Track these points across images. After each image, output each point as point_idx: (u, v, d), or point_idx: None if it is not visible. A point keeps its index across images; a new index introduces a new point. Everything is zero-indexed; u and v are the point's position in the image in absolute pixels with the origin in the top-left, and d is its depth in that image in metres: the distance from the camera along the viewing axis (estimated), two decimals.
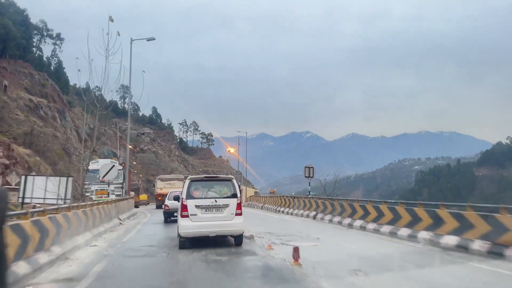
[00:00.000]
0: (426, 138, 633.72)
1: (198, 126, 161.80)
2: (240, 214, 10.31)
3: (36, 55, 72.35)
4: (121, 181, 29.60)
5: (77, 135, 51.63)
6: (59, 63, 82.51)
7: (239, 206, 10.31)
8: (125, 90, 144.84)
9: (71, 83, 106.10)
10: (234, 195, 10.38)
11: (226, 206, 10.17)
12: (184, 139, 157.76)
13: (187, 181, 10.48)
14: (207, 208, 10.07)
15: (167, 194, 20.14)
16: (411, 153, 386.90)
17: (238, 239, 10.56)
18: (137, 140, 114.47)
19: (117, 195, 27.57)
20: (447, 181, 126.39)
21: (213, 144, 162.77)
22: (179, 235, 10.28)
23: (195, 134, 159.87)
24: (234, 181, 10.87)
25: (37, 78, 56.87)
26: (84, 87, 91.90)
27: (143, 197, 73.42)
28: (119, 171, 26.90)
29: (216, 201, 10.13)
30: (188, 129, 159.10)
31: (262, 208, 32.44)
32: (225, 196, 10.33)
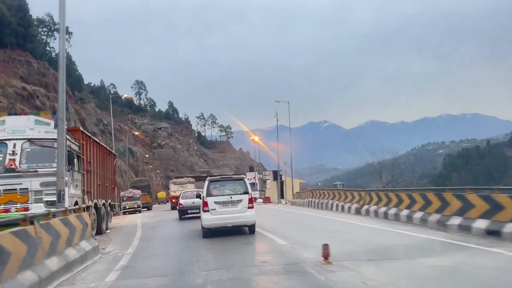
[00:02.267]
0: (447, 121, 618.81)
1: (215, 119, 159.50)
2: (252, 207, 12.13)
3: (47, 51, 70.44)
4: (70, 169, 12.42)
5: (83, 128, 49.61)
6: (69, 57, 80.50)
7: (250, 200, 12.14)
8: (140, 86, 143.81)
9: (86, 82, 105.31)
10: (246, 192, 12.21)
11: (240, 201, 11.95)
12: (202, 133, 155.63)
13: (207, 182, 12.41)
14: (224, 203, 11.89)
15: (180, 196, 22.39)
16: (433, 137, 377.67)
17: (251, 228, 12.47)
18: (154, 135, 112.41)
19: (49, 203, 11.12)
20: (477, 164, 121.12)
21: (232, 137, 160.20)
22: (202, 227, 12.15)
23: (213, 127, 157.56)
24: (246, 180, 12.84)
25: (35, 67, 54.14)
26: (99, 85, 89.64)
27: (161, 194, 69.92)
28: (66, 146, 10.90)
29: (231, 197, 11.94)
30: (206, 123, 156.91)
31: (334, 208, 21.57)
32: (238, 193, 12.11)
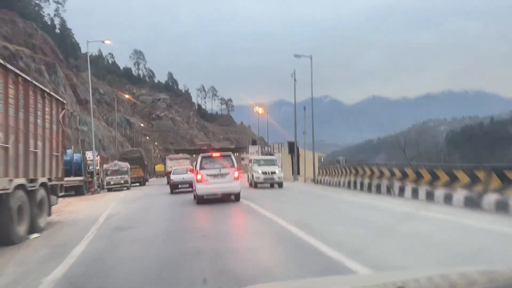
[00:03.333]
0: (450, 98, 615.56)
1: (216, 92, 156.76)
2: (238, 178, 14.33)
3: (40, 14, 67.51)
4: None
5: (74, 95, 46.94)
6: (63, 23, 77.57)
7: (237, 173, 14.36)
8: (138, 55, 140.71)
9: (83, 51, 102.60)
10: (232, 166, 14.45)
11: (227, 173, 14.19)
12: (203, 106, 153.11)
13: (200, 157, 14.79)
14: (214, 175, 14.09)
15: None
16: (435, 114, 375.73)
17: (237, 197, 14.67)
18: (152, 106, 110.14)
19: None
20: (480, 141, 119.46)
21: (233, 110, 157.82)
22: (196, 195, 14.53)
23: (214, 100, 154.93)
24: (232, 156, 15.08)
25: (21, 27, 50.52)
26: (97, 54, 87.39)
27: (160, 167, 68.38)
28: None
29: (220, 171, 14.18)
30: (206, 95, 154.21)
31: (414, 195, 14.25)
32: (226, 167, 14.27)
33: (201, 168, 14.31)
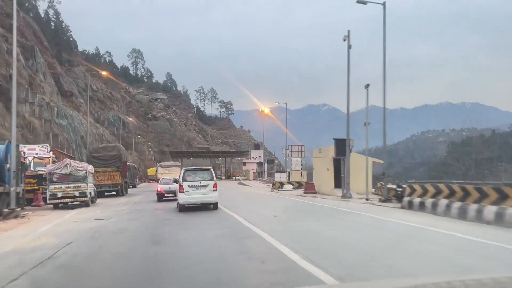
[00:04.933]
0: (447, 109, 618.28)
1: (216, 94, 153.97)
2: (216, 190, 16.13)
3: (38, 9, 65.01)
4: None
5: (56, 85, 43.71)
6: (57, 16, 74.84)
7: (215, 185, 16.10)
8: (137, 54, 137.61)
9: (80, 49, 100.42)
10: (212, 179, 16.29)
11: (207, 185, 16.02)
12: (202, 108, 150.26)
13: (182, 171, 17.04)
14: (195, 187, 15.92)
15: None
16: (432, 125, 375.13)
17: (215, 206, 16.38)
18: (149, 106, 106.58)
19: None
20: (481, 153, 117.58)
21: (233, 114, 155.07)
22: (178, 204, 16.51)
23: (213, 102, 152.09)
24: (212, 170, 17.05)
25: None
26: (94, 52, 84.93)
27: (153, 171, 62.12)
28: None
29: (201, 183, 16.03)
30: (205, 97, 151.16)
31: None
32: (206, 179, 16.16)
33: (184, 180, 15.98)
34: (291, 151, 42.33)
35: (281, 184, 35.81)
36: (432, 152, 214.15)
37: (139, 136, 77.10)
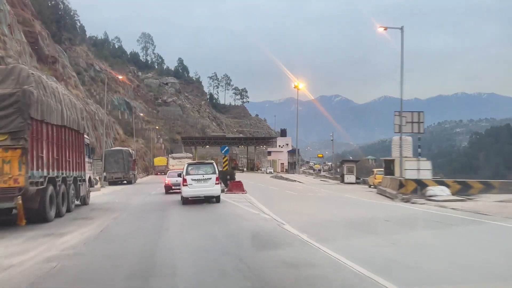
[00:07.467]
0: (462, 100, 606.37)
1: (230, 80, 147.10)
2: (218, 183, 16.65)
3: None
4: None
5: (30, 45, 38.14)
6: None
7: (217, 179, 16.51)
8: (147, 39, 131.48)
9: (88, 35, 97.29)
10: (214, 172, 16.60)
11: (210, 179, 16.35)
12: (215, 95, 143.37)
13: (186, 165, 17.33)
14: (198, 180, 16.28)
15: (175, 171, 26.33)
16: (447, 116, 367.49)
17: (217, 199, 16.70)
18: (159, 90, 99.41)
19: None
20: (508, 143, 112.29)
21: (248, 102, 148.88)
22: (182, 197, 16.62)
23: (227, 89, 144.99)
24: (214, 164, 17.56)
25: None
26: (102, 37, 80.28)
27: (160, 161, 55.79)
28: None
29: (203, 176, 16.40)
30: (219, 84, 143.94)
31: None
32: (209, 173, 16.53)
33: (187, 173, 16.35)
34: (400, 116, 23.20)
35: (419, 183, 19.12)
36: (449, 143, 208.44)
37: (145, 118, 71.44)
